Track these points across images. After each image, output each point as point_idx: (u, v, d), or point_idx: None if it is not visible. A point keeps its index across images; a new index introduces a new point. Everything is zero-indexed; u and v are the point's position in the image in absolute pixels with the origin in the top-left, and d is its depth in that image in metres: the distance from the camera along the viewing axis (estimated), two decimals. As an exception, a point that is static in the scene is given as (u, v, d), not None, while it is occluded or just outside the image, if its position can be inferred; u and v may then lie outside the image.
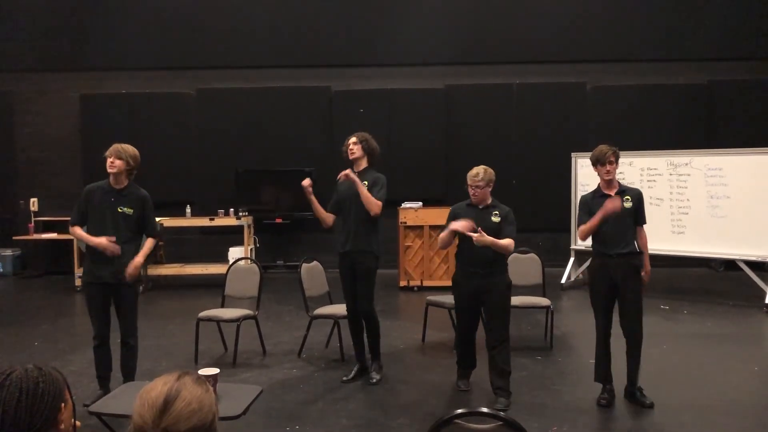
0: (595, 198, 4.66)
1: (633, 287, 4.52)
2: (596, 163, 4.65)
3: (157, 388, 1.42)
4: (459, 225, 4.42)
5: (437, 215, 8.53)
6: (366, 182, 4.95)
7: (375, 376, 5.07)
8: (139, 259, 4.55)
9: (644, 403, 4.47)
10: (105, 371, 4.64)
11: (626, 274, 4.52)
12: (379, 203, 4.92)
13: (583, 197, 4.80)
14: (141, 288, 4.81)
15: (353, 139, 5.07)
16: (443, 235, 4.57)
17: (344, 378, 5.10)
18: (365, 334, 5.17)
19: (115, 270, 4.49)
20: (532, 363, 5.50)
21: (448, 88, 10.44)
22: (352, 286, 5.05)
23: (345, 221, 5.06)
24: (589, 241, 4.76)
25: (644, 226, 4.68)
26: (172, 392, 1.40)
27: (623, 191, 4.64)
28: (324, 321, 5.83)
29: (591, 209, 4.62)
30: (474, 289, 4.59)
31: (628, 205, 4.58)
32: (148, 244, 4.67)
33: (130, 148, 4.56)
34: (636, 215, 4.63)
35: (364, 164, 5.07)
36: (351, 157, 5.07)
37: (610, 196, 4.60)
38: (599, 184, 4.72)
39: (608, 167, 4.58)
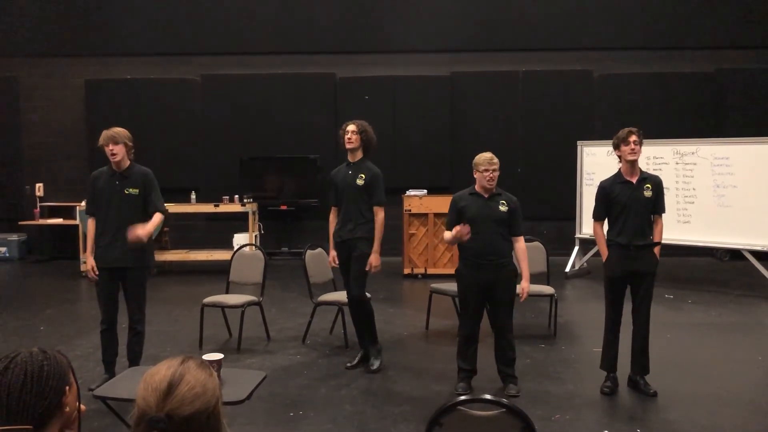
0: (615, 184, 4.56)
1: (650, 278, 4.50)
2: (620, 143, 4.52)
3: (161, 372, 1.42)
4: (454, 234, 4.35)
5: (442, 203, 8.51)
6: (363, 175, 4.91)
7: (374, 363, 5.03)
8: (148, 227, 4.39)
9: (647, 392, 4.46)
10: (111, 356, 4.65)
11: (645, 265, 4.47)
12: (382, 210, 4.96)
13: (601, 184, 4.67)
14: (155, 271, 4.80)
15: (353, 128, 4.96)
16: (449, 237, 4.46)
17: (348, 364, 5.10)
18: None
19: (122, 255, 4.50)
20: (535, 351, 5.50)
21: (453, 76, 10.39)
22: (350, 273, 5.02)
23: (342, 212, 5.01)
24: (591, 230, 4.72)
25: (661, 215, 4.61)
26: (175, 376, 1.40)
27: (645, 178, 4.55)
28: (328, 307, 5.84)
29: (609, 197, 4.55)
30: (482, 281, 4.46)
31: (648, 194, 4.50)
32: (156, 218, 4.56)
33: (121, 130, 4.52)
34: (655, 204, 4.54)
35: (360, 155, 4.99)
36: (348, 147, 4.97)
37: (631, 183, 4.51)
38: (620, 169, 4.60)
39: (632, 146, 4.45)
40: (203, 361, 1.49)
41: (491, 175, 4.47)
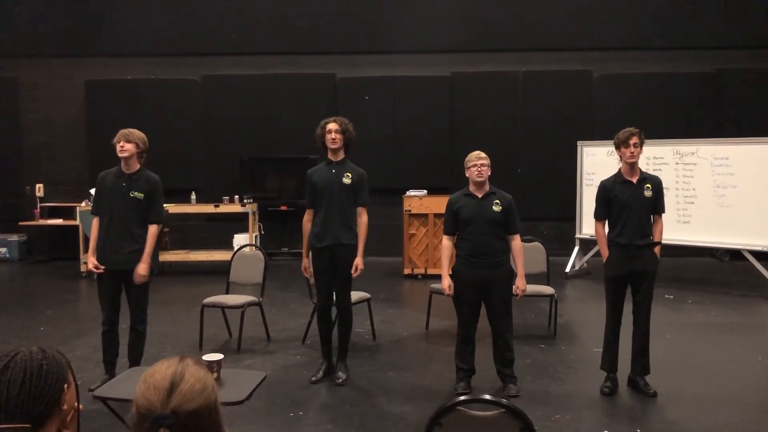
0: (616, 184, 4.58)
1: (651, 277, 4.50)
2: (620, 145, 4.55)
3: (161, 371, 1.44)
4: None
5: (442, 203, 8.39)
6: (349, 174, 4.72)
7: (341, 376, 4.76)
8: (144, 264, 4.50)
9: (647, 392, 4.47)
10: (112, 356, 4.65)
11: (645, 264, 4.48)
12: (366, 212, 4.81)
13: (602, 183, 4.68)
14: (155, 271, 4.79)
15: (335, 127, 4.68)
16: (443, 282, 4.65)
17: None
18: (337, 330, 4.89)
19: (125, 258, 4.50)
20: (535, 351, 5.50)
21: (453, 76, 10.39)
22: (331, 280, 4.77)
23: (323, 214, 4.72)
24: (591, 230, 4.73)
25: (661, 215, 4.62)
26: (176, 374, 1.43)
27: (645, 179, 4.57)
28: (328, 308, 5.83)
29: (610, 197, 4.57)
30: (478, 280, 4.49)
31: (648, 194, 4.52)
32: (151, 236, 4.56)
33: (137, 132, 4.59)
34: (655, 204, 4.56)
35: (342, 155, 4.78)
36: (332, 147, 4.71)
37: (631, 182, 4.54)
38: (620, 169, 4.63)
39: (632, 149, 4.48)
40: (199, 360, 1.53)
41: (479, 169, 4.50)
